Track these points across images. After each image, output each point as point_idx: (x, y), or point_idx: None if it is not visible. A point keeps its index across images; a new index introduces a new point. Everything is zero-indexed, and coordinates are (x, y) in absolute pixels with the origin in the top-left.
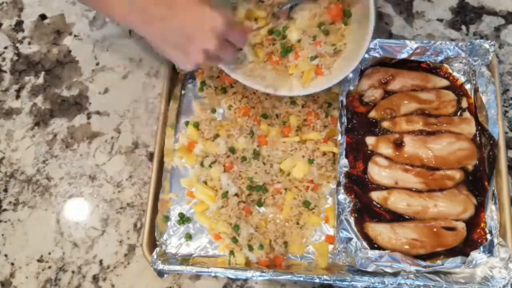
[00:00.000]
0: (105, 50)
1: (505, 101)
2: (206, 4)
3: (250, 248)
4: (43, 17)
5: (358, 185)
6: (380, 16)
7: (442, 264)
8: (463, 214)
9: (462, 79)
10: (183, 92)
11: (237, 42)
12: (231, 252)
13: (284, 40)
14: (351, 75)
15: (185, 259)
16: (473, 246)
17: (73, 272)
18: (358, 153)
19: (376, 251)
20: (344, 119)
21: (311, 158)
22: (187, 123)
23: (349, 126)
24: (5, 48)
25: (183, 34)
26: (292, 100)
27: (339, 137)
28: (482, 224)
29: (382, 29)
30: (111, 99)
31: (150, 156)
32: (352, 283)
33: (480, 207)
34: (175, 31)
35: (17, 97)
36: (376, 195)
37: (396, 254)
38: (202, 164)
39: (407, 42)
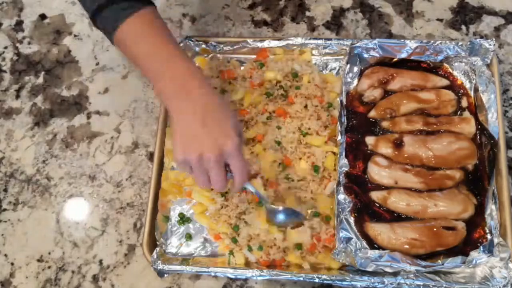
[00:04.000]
0: (105, 50)
1: (505, 101)
2: (230, 120)
3: (250, 248)
4: (43, 17)
5: (358, 185)
6: (380, 16)
7: (442, 264)
8: (463, 213)
9: (462, 78)
10: None
11: (236, 172)
12: (231, 252)
13: None
14: (350, 74)
15: (185, 259)
16: (473, 246)
17: (73, 272)
18: (358, 153)
19: (376, 251)
20: (344, 119)
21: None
22: None
23: (349, 126)
24: (5, 48)
25: (194, 133)
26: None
27: (339, 137)
28: (482, 224)
29: (382, 29)
30: (111, 99)
31: (150, 156)
32: (352, 283)
33: (480, 207)
34: (195, 126)
35: (17, 97)
36: (376, 195)
37: (396, 254)
38: None
39: (407, 41)
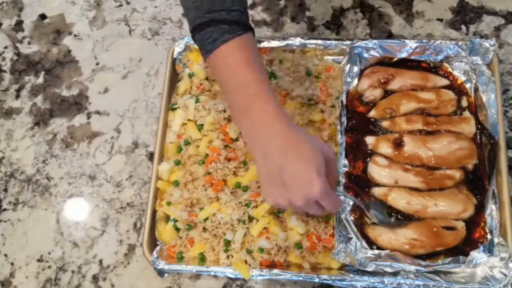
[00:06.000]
0: (105, 50)
1: (505, 101)
2: (313, 162)
3: (249, 251)
4: (43, 17)
5: (358, 184)
6: (380, 16)
7: (442, 264)
8: (463, 213)
9: (462, 78)
10: None
11: (328, 207)
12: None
13: None
14: (350, 74)
15: (185, 258)
16: (473, 246)
17: (73, 272)
18: (358, 153)
19: (376, 251)
20: (344, 119)
21: None
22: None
23: (348, 126)
24: (5, 48)
25: (280, 182)
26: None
27: (339, 137)
28: (482, 224)
29: (382, 29)
30: (111, 99)
31: (150, 156)
32: (352, 282)
33: (480, 207)
34: (278, 177)
35: (17, 97)
36: (377, 191)
37: (395, 253)
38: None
39: (407, 41)
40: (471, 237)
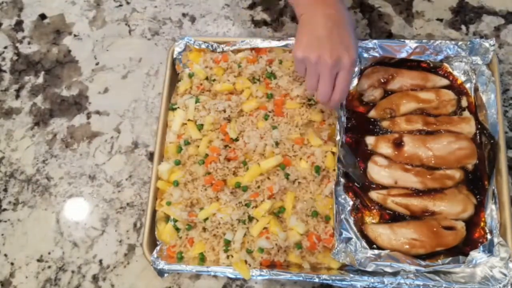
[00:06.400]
0: (105, 50)
1: (505, 101)
2: (352, 38)
3: (249, 251)
4: (43, 17)
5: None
6: (380, 16)
7: (442, 264)
8: (463, 213)
9: (462, 78)
10: None
11: (340, 86)
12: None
13: None
14: None
15: (185, 258)
16: (473, 246)
17: (73, 271)
18: (358, 153)
19: (376, 251)
20: (344, 119)
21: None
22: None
23: (348, 125)
24: (5, 48)
25: (320, 37)
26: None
27: (339, 137)
28: (482, 224)
29: (382, 29)
30: (111, 99)
31: (150, 156)
32: (352, 282)
33: (480, 207)
34: (322, 32)
35: (17, 97)
36: (375, 195)
37: (395, 253)
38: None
39: (407, 41)
40: (471, 237)
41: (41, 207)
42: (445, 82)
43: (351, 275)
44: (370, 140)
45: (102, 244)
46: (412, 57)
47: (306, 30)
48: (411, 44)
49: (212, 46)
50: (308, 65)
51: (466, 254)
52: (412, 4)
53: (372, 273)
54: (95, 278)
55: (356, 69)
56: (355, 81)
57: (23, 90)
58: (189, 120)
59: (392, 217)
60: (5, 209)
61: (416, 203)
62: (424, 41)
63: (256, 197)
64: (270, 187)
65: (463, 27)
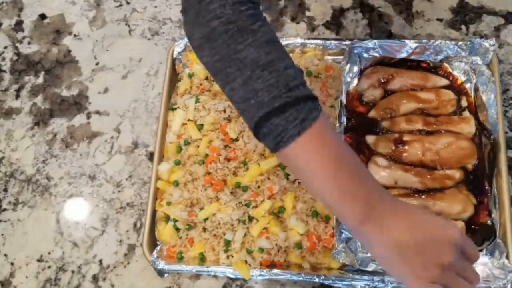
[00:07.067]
0: (105, 50)
1: (505, 101)
2: (439, 220)
3: (249, 251)
4: (43, 17)
5: None
6: (380, 16)
7: None
8: (463, 213)
9: (462, 78)
10: None
11: (471, 256)
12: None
13: None
14: (350, 74)
15: (185, 259)
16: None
17: (73, 272)
18: (358, 153)
19: None
20: (344, 119)
21: None
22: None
23: (348, 126)
24: (5, 48)
25: (424, 243)
26: None
27: None
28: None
29: (382, 29)
30: (111, 99)
31: (150, 156)
32: (352, 282)
33: (480, 207)
34: (413, 243)
35: (17, 97)
36: None
37: None
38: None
39: (407, 41)
40: (470, 237)
41: (41, 207)
42: (445, 82)
43: (351, 275)
44: (370, 140)
45: (102, 244)
46: (412, 57)
47: (401, 255)
48: (411, 44)
49: None
50: (438, 280)
51: None
52: (412, 4)
53: (373, 273)
54: (95, 278)
55: (356, 69)
56: (355, 81)
57: (23, 90)
58: (189, 120)
59: None
60: (5, 209)
61: (416, 203)
62: (424, 41)
63: (256, 197)
64: (270, 187)
65: (463, 27)
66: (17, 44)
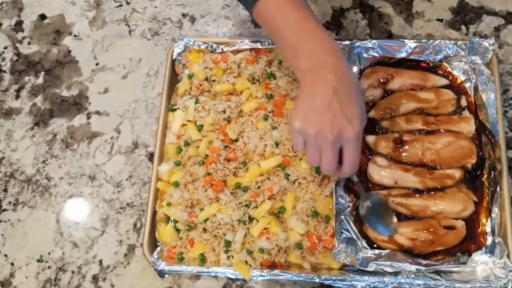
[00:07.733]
0: (105, 50)
1: (505, 101)
2: (357, 106)
3: (249, 252)
4: (42, 17)
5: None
6: (380, 16)
7: (442, 263)
8: (463, 212)
9: (461, 77)
10: None
11: (348, 159)
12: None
13: None
14: None
15: (185, 259)
16: (473, 244)
17: (73, 272)
18: None
19: (376, 251)
20: None
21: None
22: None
23: None
24: (5, 48)
25: (319, 108)
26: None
27: None
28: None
29: (382, 29)
30: (111, 99)
31: (150, 156)
32: (352, 282)
33: (480, 206)
34: (321, 102)
35: (17, 97)
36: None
37: (396, 253)
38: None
39: (406, 41)
40: (471, 236)
41: (41, 207)
42: (444, 81)
43: (352, 275)
44: (370, 139)
45: (102, 244)
46: (411, 57)
47: (305, 99)
48: (411, 44)
49: (211, 46)
50: (307, 139)
51: (466, 253)
52: (412, 4)
53: (373, 273)
54: (95, 278)
55: (356, 69)
56: None
57: (23, 90)
58: (189, 121)
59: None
60: (5, 209)
61: (416, 202)
62: (423, 41)
63: (256, 197)
64: (270, 188)
65: (463, 27)
66: (17, 44)
